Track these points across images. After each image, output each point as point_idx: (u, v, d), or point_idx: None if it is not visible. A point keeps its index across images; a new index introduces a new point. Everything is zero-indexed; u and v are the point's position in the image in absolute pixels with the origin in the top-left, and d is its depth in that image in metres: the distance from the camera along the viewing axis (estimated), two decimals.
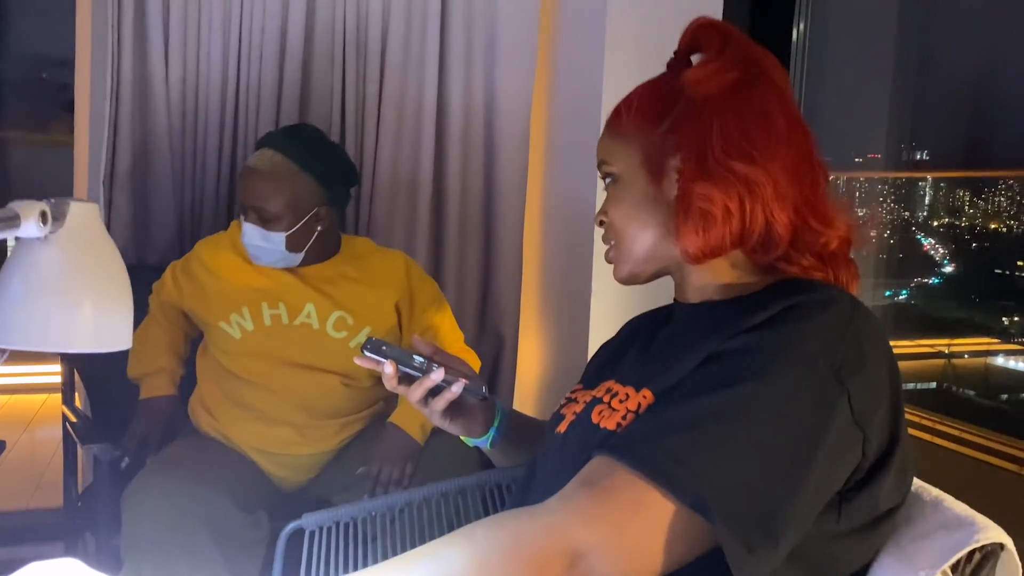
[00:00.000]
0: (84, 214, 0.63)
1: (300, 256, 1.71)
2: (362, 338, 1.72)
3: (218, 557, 1.46)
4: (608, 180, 0.95)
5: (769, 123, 0.86)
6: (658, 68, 1.00)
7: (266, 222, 1.66)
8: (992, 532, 0.82)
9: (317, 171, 1.69)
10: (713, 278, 0.91)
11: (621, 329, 1.12)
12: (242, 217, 1.70)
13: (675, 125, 0.88)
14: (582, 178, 2.29)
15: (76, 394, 2.01)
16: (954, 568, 0.81)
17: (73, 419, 1.86)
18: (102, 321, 0.61)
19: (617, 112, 0.94)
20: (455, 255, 2.36)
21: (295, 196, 1.67)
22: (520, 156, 2.37)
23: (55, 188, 2.32)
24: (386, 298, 1.78)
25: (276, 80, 2.17)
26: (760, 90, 0.87)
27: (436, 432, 1.74)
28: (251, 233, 1.67)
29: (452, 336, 1.88)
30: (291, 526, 1.15)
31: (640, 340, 1.02)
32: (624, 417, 0.83)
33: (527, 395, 2.55)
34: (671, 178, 0.88)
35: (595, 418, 0.87)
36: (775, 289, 0.86)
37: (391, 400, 1.84)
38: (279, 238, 1.66)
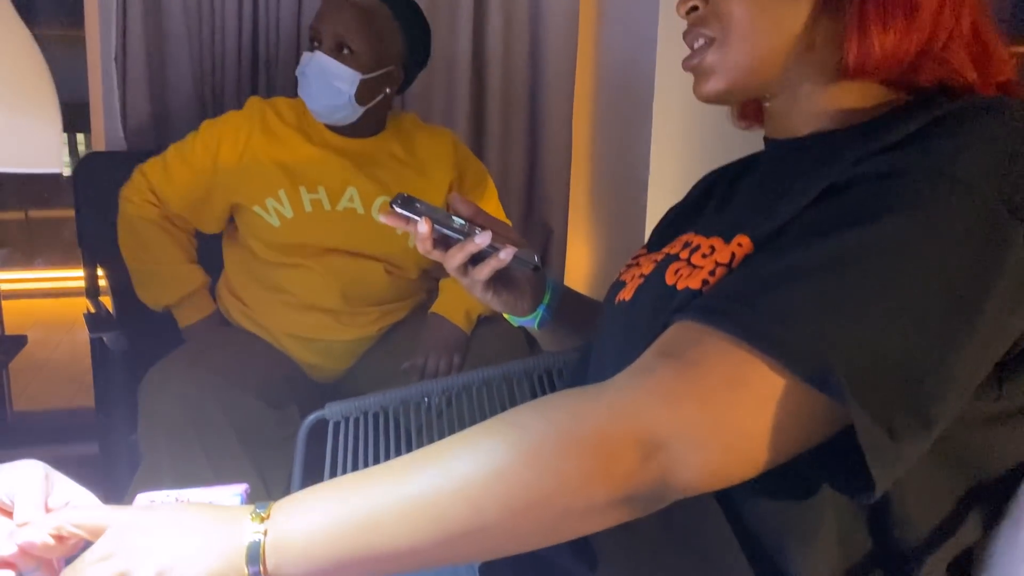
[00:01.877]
0: None
1: (360, 112, 1.53)
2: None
3: (242, 453, 1.35)
4: None
5: None
6: None
7: (343, 55, 1.48)
8: None
9: (407, 26, 1.55)
10: (835, 101, 0.70)
11: (692, 187, 0.93)
12: (314, 47, 1.50)
13: None
14: (639, 45, 2.05)
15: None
16: None
17: (92, 311, 1.75)
18: (19, 129, 0.45)
19: None
20: (498, 136, 2.16)
21: (382, 40, 1.51)
22: (569, 22, 2.15)
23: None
24: (438, 182, 1.63)
25: None
26: None
27: (483, 321, 1.60)
28: (322, 64, 1.48)
29: None
30: (312, 416, 1.02)
31: (719, 192, 0.83)
32: (712, 273, 0.64)
33: (578, 288, 2.38)
34: None
35: (671, 278, 0.69)
36: (917, 104, 0.66)
37: (434, 291, 1.69)
38: (353, 77, 1.48)
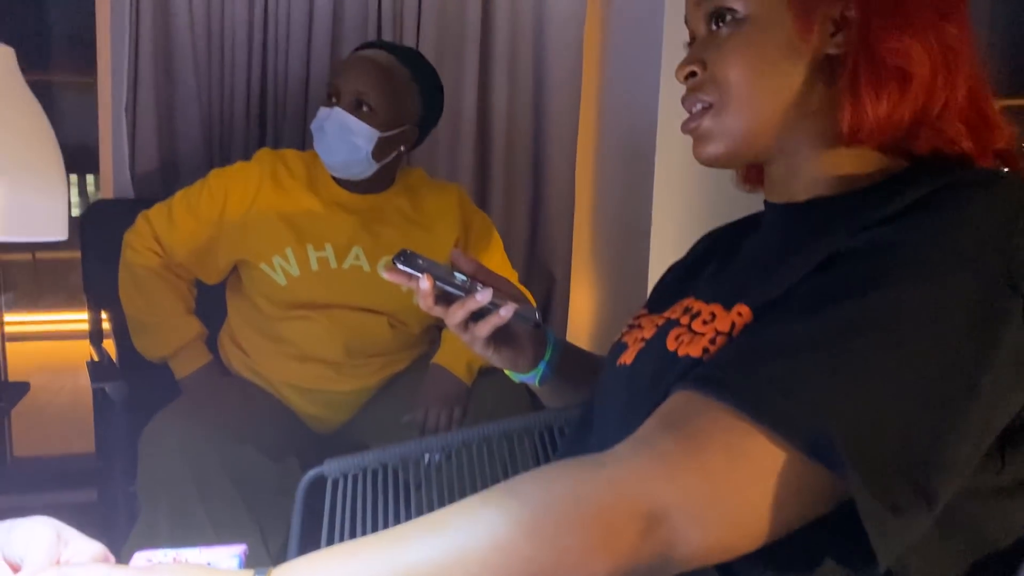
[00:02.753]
0: None
1: (375, 168, 1.55)
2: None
3: (241, 506, 1.34)
4: (722, 21, 0.71)
5: None
6: None
7: (361, 112, 1.50)
8: None
9: (424, 87, 1.58)
10: (833, 167, 0.71)
11: (694, 246, 0.94)
12: (332, 102, 1.52)
13: None
14: (642, 99, 2.08)
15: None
16: None
17: (95, 359, 1.75)
18: (25, 199, 0.45)
19: None
20: (502, 187, 2.19)
21: (400, 98, 1.53)
22: (573, 79, 2.18)
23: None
24: (443, 239, 1.64)
25: None
26: None
27: (484, 372, 1.59)
28: (341, 120, 1.49)
29: (505, 273, 1.72)
30: (311, 473, 1.01)
31: (720, 253, 0.83)
32: (712, 341, 0.65)
33: (580, 340, 2.38)
34: (825, 28, 0.68)
35: (672, 344, 0.69)
36: (913, 172, 0.66)
37: (436, 341, 1.69)
38: (371, 134, 1.50)
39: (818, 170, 0.71)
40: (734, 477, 0.54)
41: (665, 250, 2.09)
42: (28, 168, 0.45)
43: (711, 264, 0.84)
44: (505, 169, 2.18)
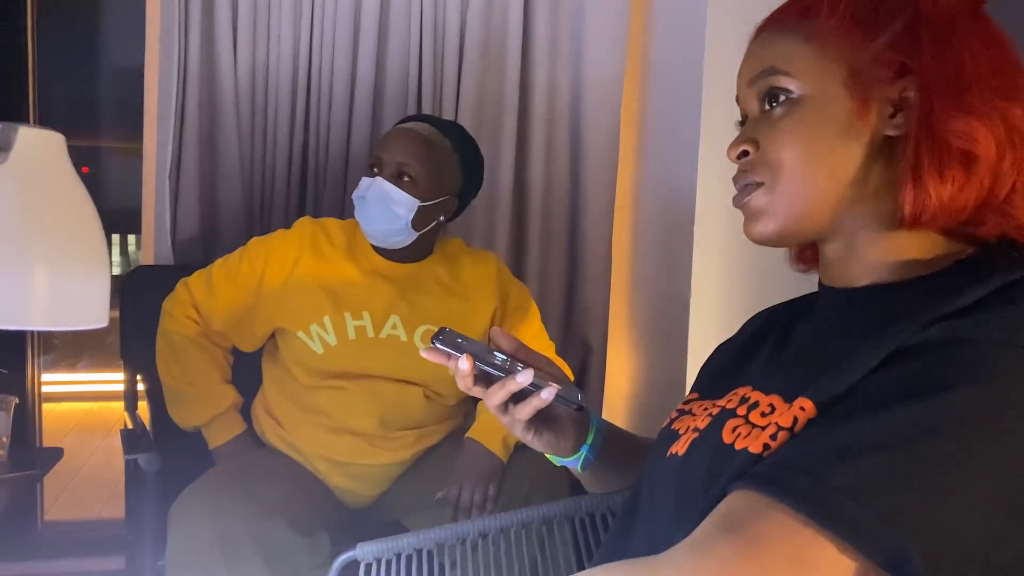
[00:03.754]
0: (40, 144, 0.46)
1: (414, 237, 1.55)
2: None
3: None
4: (775, 100, 0.70)
5: (1008, 54, 0.66)
6: None
7: (403, 182, 1.51)
8: None
9: (465, 158, 1.59)
10: (894, 251, 0.68)
11: (744, 326, 0.90)
12: (373, 172, 1.53)
13: (898, 42, 0.66)
14: (680, 169, 2.06)
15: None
16: None
17: (130, 426, 1.74)
18: (66, 288, 0.44)
19: (808, 8, 0.70)
20: (538, 255, 2.17)
21: (441, 169, 1.55)
22: (610, 148, 2.18)
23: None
24: (481, 309, 1.62)
25: (349, 69, 2.03)
26: (985, 14, 0.67)
27: (520, 447, 1.55)
28: (383, 189, 1.50)
29: (541, 344, 1.71)
30: (344, 557, 0.97)
31: (773, 338, 0.80)
32: (773, 437, 0.61)
33: (617, 410, 2.33)
34: (883, 109, 0.66)
35: (728, 436, 0.65)
36: (980, 260, 0.63)
37: (471, 414, 1.66)
38: (412, 203, 1.51)
39: (878, 254, 0.69)
40: None
41: (705, 321, 2.05)
42: (74, 258, 0.44)
43: (763, 348, 0.80)
44: (541, 237, 2.17)
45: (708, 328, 2.05)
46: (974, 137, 0.62)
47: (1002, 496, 0.50)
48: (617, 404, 2.33)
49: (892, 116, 0.67)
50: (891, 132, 0.66)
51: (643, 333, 2.28)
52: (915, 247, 0.68)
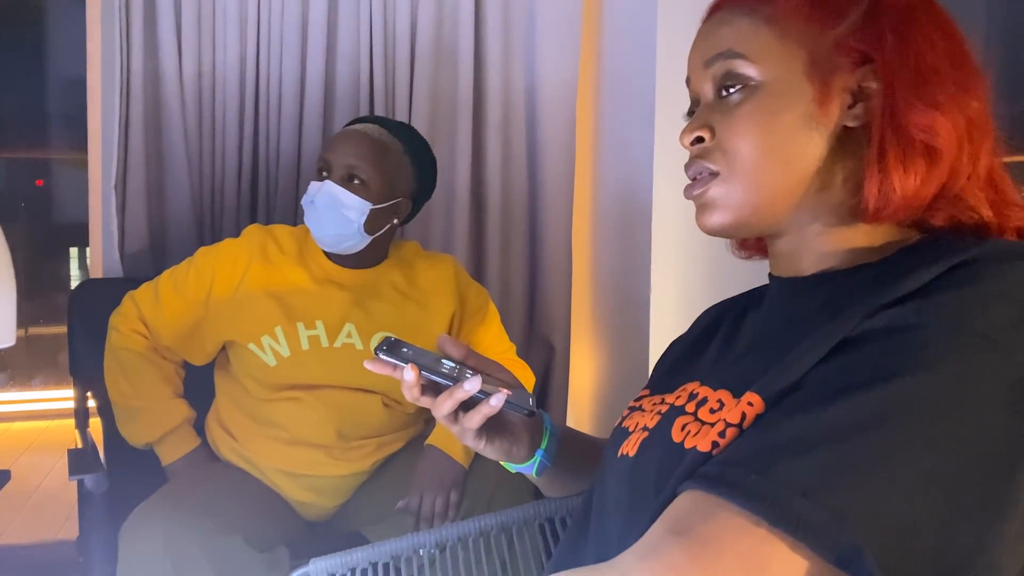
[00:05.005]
0: None
1: (367, 241, 1.52)
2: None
3: None
4: (732, 86, 0.67)
5: (963, 46, 0.65)
6: None
7: (353, 185, 1.47)
8: None
9: (418, 160, 1.56)
10: (845, 241, 0.67)
11: (697, 321, 0.89)
12: (323, 176, 1.49)
13: (859, 29, 0.64)
14: (636, 168, 2.06)
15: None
16: None
17: (80, 445, 1.69)
18: None
19: None
20: (497, 258, 2.16)
21: (393, 172, 1.51)
22: (566, 147, 2.17)
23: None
24: (439, 313, 1.59)
25: (298, 75, 1.99)
26: (939, 5, 0.66)
27: None
28: (332, 192, 1.46)
29: (500, 346, 1.68)
30: (296, 574, 0.94)
31: (724, 331, 0.79)
32: (722, 434, 0.60)
33: (582, 411, 2.32)
34: (843, 99, 0.65)
35: (677, 435, 0.64)
36: (927, 246, 0.62)
37: (432, 420, 1.63)
38: (363, 206, 1.47)
39: (828, 244, 0.68)
40: None
41: (666, 318, 2.05)
42: None
43: (714, 342, 0.79)
44: (501, 239, 2.16)
45: (668, 325, 2.05)
46: (937, 131, 0.62)
47: (951, 486, 0.49)
48: (582, 404, 2.32)
49: (851, 107, 0.65)
50: (850, 123, 0.65)
51: (605, 332, 2.27)
52: (865, 236, 0.67)
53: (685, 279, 2.04)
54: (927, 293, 0.55)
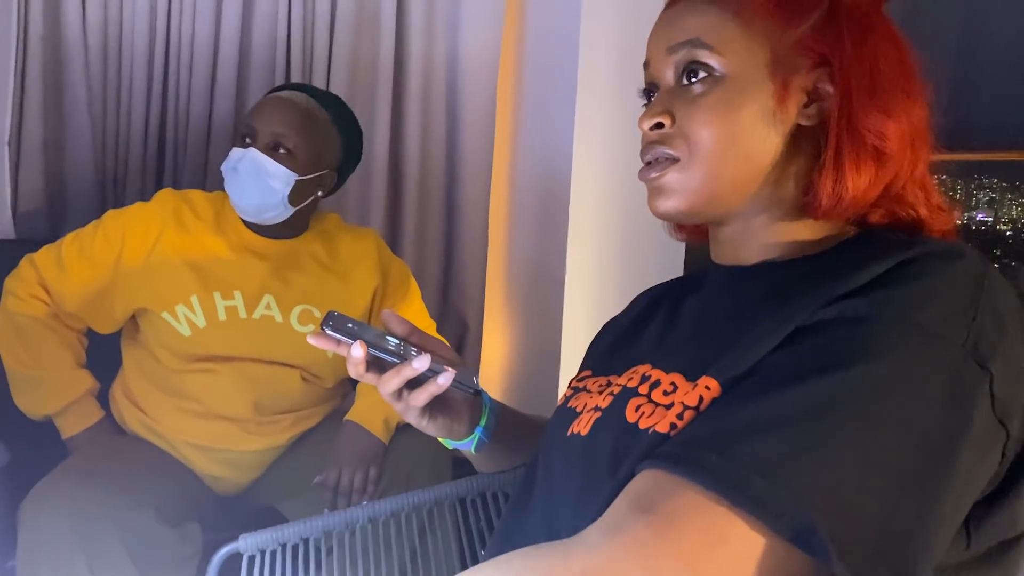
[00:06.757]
0: None
1: (290, 213, 1.47)
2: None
3: None
4: (695, 75, 0.69)
5: (910, 55, 0.68)
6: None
7: (279, 155, 1.42)
8: None
9: (345, 131, 1.52)
10: (787, 233, 0.70)
11: (632, 303, 0.92)
12: (246, 143, 1.43)
13: (819, 31, 0.67)
14: (556, 147, 2.08)
15: None
16: None
17: None
18: None
19: None
20: (414, 232, 2.14)
21: (319, 142, 1.47)
22: (487, 122, 2.17)
23: None
24: (361, 288, 1.56)
25: (212, 29, 1.91)
26: (886, 14, 0.69)
27: (402, 428, 1.52)
28: (257, 161, 1.41)
29: (423, 323, 1.67)
30: (225, 550, 0.92)
31: (663, 314, 0.81)
32: (680, 416, 0.62)
33: (493, 386, 2.34)
34: (799, 99, 0.67)
35: (632, 416, 0.66)
36: (866, 241, 0.66)
37: (350, 396, 1.61)
38: (289, 176, 1.42)
39: (773, 235, 0.71)
40: (713, 564, 0.51)
41: (579, 299, 2.09)
42: None
43: (653, 324, 0.81)
44: (418, 212, 2.14)
45: (581, 306, 2.09)
46: (887, 135, 0.65)
47: (896, 466, 0.53)
48: (493, 379, 2.34)
49: (806, 106, 0.68)
50: (804, 122, 0.68)
51: (519, 310, 2.29)
52: (808, 230, 0.70)
53: (600, 260, 2.08)
54: (876, 287, 0.58)
